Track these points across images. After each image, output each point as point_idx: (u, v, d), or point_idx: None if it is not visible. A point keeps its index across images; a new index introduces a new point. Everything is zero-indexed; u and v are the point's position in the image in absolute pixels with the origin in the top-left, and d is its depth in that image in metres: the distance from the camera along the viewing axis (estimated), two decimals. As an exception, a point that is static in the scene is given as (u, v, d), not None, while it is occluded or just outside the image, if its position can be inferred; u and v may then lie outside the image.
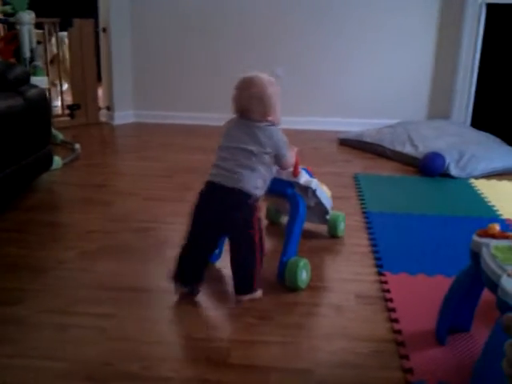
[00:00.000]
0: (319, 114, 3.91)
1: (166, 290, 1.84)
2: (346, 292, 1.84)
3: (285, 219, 2.15)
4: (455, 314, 1.56)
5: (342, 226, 2.26)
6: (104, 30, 4.00)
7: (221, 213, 1.71)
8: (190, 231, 1.76)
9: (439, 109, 3.94)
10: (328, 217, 2.21)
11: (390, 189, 2.85)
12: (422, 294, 1.82)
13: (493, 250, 1.38)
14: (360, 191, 2.79)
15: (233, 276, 1.77)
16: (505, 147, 3.37)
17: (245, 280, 1.76)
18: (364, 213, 2.52)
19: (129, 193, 2.72)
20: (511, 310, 1.20)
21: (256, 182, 1.71)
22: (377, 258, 2.08)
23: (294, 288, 1.83)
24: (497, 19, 3.68)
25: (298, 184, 1.93)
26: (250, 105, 1.77)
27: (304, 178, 1.94)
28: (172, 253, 2.09)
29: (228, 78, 4.00)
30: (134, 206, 2.56)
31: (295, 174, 1.90)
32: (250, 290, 1.76)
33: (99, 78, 4.17)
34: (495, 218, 2.50)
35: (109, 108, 4.13)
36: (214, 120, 4.08)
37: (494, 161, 3.12)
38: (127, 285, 1.86)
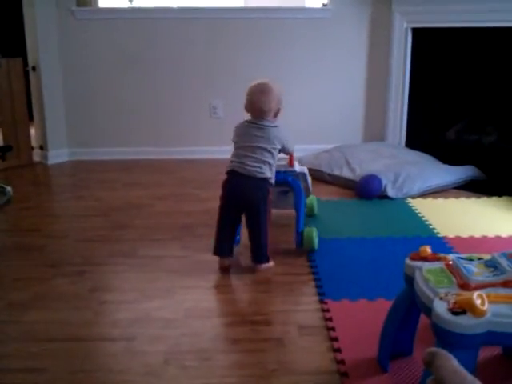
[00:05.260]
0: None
1: (102, 338, 1.76)
2: (288, 324, 1.80)
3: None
4: (396, 339, 1.55)
5: (316, 209, 2.80)
6: (33, 68, 3.90)
7: (247, 193, 2.16)
8: (222, 212, 2.21)
9: (374, 132, 4.01)
10: (306, 200, 2.66)
11: (329, 214, 2.85)
12: (364, 320, 1.81)
13: (425, 273, 1.38)
14: (300, 218, 2.78)
15: (252, 248, 2.21)
16: (439, 165, 3.45)
17: (261, 250, 2.19)
18: (305, 240, 2.51)
19: (62, 235, 2.61)
20: (445, 334, 1.19)
21: (270, 172, 2.21)
22: (318, 286, 2.06)
23: (311, 250, 2.32)
24: (422, 42, 3.80)
25: (294, 172, 2.46)
26: (267, 106, 2.22)
27: (297, 167, 2.51)
28: (109, 297, 2.02)
29: (165, 111, 4.02)
30: (67, 248, 2.45)
31: (291, 164, 2.46)
32: (266, 259, 2.20)
33: (31, 118, 4.05)
34: (432, 236, 2.54)
35: (42, 147, 4.00)
36: (153, 154, 4.04)
37: (428, 179, 3.18)
38: (60, 335, 1.77)
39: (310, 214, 2.75)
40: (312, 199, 2.77)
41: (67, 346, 1.71)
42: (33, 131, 4.10)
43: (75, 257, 2.36)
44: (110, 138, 4.08)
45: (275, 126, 2.24)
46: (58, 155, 4.01)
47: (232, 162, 2.23)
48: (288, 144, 2.28)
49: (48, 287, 2.09)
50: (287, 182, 2.40)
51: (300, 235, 2.33)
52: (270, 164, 2.20)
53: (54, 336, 1.76)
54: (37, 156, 4.03)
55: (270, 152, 2.20)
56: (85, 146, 4.06)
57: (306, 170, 2.58)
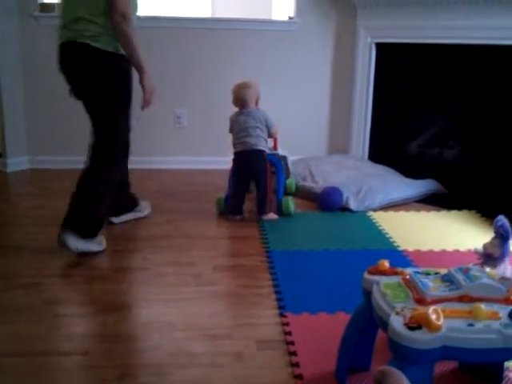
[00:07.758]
0: (225, 153, 3.88)
1: (56, 352, 1.70)
2: (247, 338, 1.78)
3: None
4: (354, 354, 1.55)
5: (293, 190, 3.28)
6: (-7, 73, 3.81)
7: (252, 164, 2.89)
8: (233, 180, 2.93)
9: (338, 144, 4.05)
10: (286, 181, 3.19)
11: (293, 226, 2.85)
12: (323, 334, 1.80)
13: (382, 287, 1.38)
14: (263, 230, 2.77)
15: (257, 203, 2.92)
16: (401, 178, 3.49)
17: (263, 204, 2.89)
18: (267, 252, 2.50)
19: (18, 246, 2.53)
20: (400, 350, 1.20)
21: (264, 144, 2.92)
22: (279, 299, 2.04)
23: (288, 214, 2.93)
24: (386, 57, 3.86)
25: (277, 154, 3.08)
26: (248, 97, 2.92)
27: (280, 150, 3.11)
28: (63, 310, 1.96)
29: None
30: (23, 259, 2.38)
31: (275, 147, 3.10)
32: (266, 210, 2.88)
33: (-10, 124, 3.95)
34: (393, 249, 2.56)
35: (0, 154, 3.89)
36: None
37: (390, 192, 3.22)
38: (12, 349, 1.71)
39: (289, 193, 3.16)
40: (291, 181, 3.23)
41: (19, 361, 1.65)
42: (-9, 138, 3.99)
43: (30, 268, 2.29)
44: (72, 146, 3.98)
45: (258, 109, 2.94)
46: (17, 163, 3.91)
47: (235, 144, 2.92)
48: (270, 121, 2.93)
49: (0, 300, 2.02)
50: (271, 161, 2.97)
51: (279, 202, 2.94)
52: (262, 137, 2.89)
53: (5, 351, 1.70)
54: (-5, 163, 3.93)
55: (259, 128, 2.88)
56: (46, 153, 3.98)
57: (287, 155, 3.18)
